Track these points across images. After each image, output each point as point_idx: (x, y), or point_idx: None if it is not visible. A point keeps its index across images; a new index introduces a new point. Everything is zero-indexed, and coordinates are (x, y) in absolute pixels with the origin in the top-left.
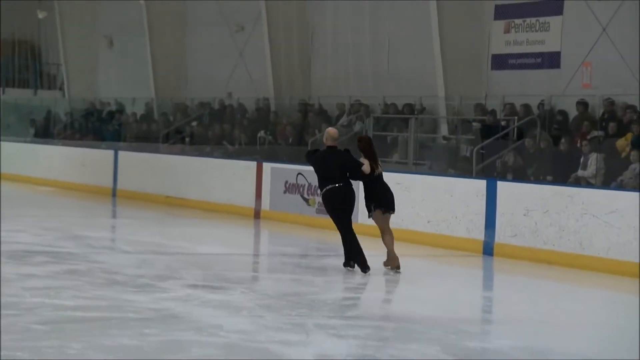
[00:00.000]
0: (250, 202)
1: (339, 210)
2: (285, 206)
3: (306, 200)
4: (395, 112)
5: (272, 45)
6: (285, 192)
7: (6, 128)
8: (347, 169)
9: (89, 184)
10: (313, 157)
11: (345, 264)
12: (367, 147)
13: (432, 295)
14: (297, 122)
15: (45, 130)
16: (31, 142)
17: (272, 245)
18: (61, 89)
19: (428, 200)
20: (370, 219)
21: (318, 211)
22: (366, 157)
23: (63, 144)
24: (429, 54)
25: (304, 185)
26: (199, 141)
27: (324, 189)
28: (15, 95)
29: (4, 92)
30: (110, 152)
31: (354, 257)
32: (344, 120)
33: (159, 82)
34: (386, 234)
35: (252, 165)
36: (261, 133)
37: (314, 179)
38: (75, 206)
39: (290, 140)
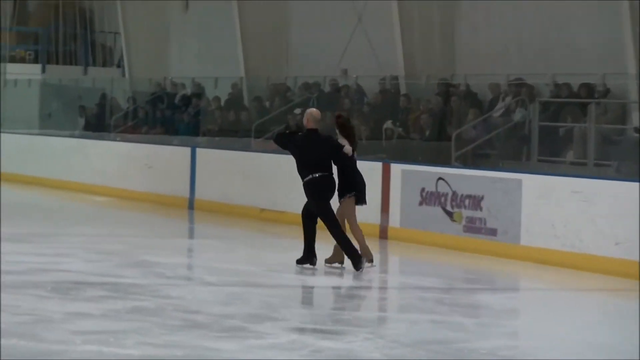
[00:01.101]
0: (374, 217)
1: (323, 200)
2: (421, 222)
3: (450, 215)
4: (569, 95)
5: (401, 8)
6: (421, 203)
7: (47, 118)
8: (333, 155)
9: (157, 193)
10: (292, 141)
11: (305, 260)
12: (346, 125)
13: (619, 344)
14: (437, 108)
15: (99, 121)
16: (80, 136)
17: (404, 275)
18: (120, 65)
19: (615, 214)
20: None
21: (466, 229)
22: (345, 136)
23: (122, 139)
24: (614, 19)
25: (447, 194)
26: None
27: (309, 177)
28: (60, 74)
29: (44, 71)
30: (186, 150)
31: (351, 253)
32: (500, 106)
33: (251, 57)
34: (356, 225)
35: (376, 167)
36: (387, 123)
37: (459, 186)
38: (140, 222)
39: (427, 133)
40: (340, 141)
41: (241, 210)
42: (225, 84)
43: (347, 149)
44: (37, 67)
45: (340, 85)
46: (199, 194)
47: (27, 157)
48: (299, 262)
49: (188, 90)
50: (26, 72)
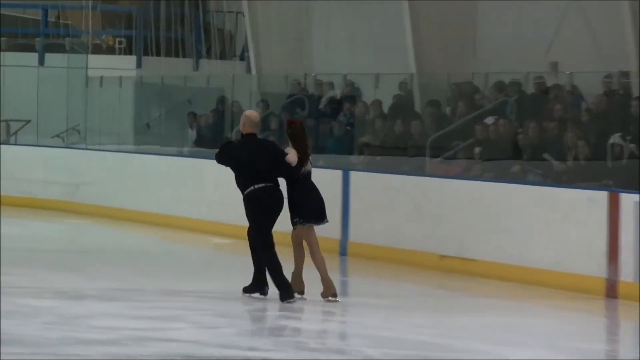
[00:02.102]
0: (598, 268)
1: (265, 216)
2: None
3: None
4: None
5: None
6: None
7: (144, 130)
8: (276, 163)
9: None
10: (228, 150)
11: (254, 289)
12: (299, 133)
13: None
14: None
15: (216, 134)
16: (190, 154)
17: None
18: (243, 58)
19: None
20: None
21: None
22: (295, 146)
23: None
24: None
25: None
26: (497, 151)
27: (250, 188)
28: (161, 69)
29: (140, 65)
30: (336, 174)
31: (277, 279)
32: None
33: (425, 47)
34: (316, 250)
35: (600, 197)
36: (615, 137)
37: None
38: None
39: None
40: (287, 150)
41: (413, 258)
42: (389, 83)
43: (291, 158)
44: (130, 60)
45: (548, 84)
46: (354, 234)
47: (117, 183)
48: (248, 290)
49: (337, 92)
50: (116, 67)
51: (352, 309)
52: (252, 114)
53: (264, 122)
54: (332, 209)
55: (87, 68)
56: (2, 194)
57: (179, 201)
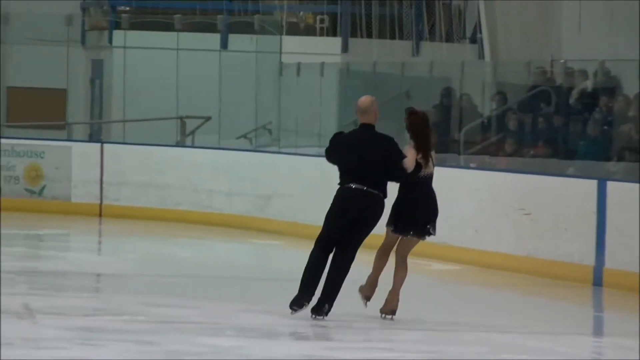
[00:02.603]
0: None
1: (339, 214)
2: None
3: None
4: None
5: None
6: None
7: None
8: (389, 164)
9: (535, 257)
10: (333, 144)
11: (299, 303)
12: (420, 126)
13: None
14: None
15: (441, 134)
16: None
17: None
18: (475, 40)
19: None
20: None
21: None
22: (415, 143)
23: (478, 166)
24: None
25: None
26: None
27: (345, 186)
28: (373, 55)
29: (346, 49)
30: (590, 185)
31: (332, 292)
32: None
33: None
34: (400, 267)
35: None
36: None
37: None
38: (509, 306)
39: None
40: (406, 152)
41: None
42: None
43: (409, 161)
44: (334, 43)
45: None
46: (611, 259)
47: (316, 195)
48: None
49: (588, 84)
50: (316, 51)
51: (607, 350)
52: (363, 99)
53: (499, 119)
54: (584, 228)
55: (280, 52)
56: (178, 207)
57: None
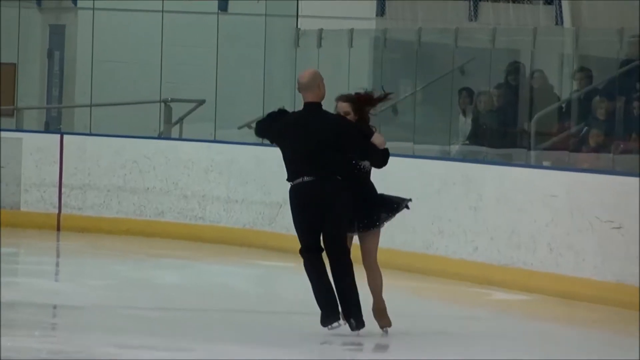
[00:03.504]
0: None
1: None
2: None
3: None
4: None
5: None
6: None
7: (389, 116)
8: (349, 146)
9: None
10: (276, 126)
11: (332, 320)
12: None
13: None
14: None
15: (505, 120)
16: (461, 157)
17: None
18: (551, 1)
19: None
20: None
21: None
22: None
23: (552, 163)
24: None
25: None
26: None
27: (298, 180)
28: (416, 20)
29: (382, 12)
30: None
31: (350, 305)
32: None
33: None
34: (375, 274)
35: None
36: None
37: None
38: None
39: None
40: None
41: None
42: None
43: (377, 136)
44: (366, 3)
45: None
46: None
47: None
48: (331, 322)
49: None
50: (344, 14)
51: None
52: (301, 73)
53: (582, 104)
54: None
55: (297, 16)
56: (160, 217)
57: (442, 232)
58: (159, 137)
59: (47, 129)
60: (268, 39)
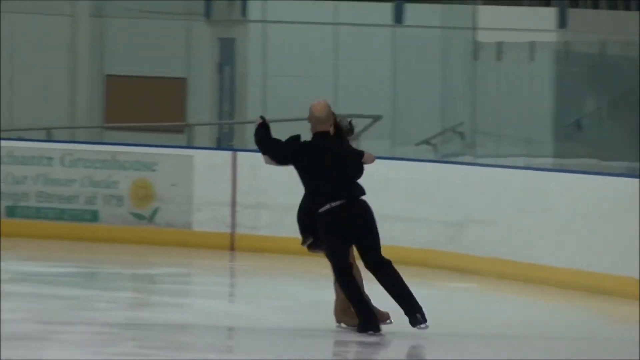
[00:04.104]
0: None
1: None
2: None
3: None
4: None
5: None
6: None
7: (572, 132)
8: (356, 165)
9: None
10: (294, 152)
11: (369, 327)
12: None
13: None
14: None
15: None
16: None
17: None
18: None
19: None
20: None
21: None
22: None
23: None
24: None
25: None
26: None
27: (326, 207)
28: (601, 32)
29: (564, 24)
30: None
31: (414, 302)
32: None
33: None
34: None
35: None
36: None
37: None
38: None
39: None
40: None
41: None
42: None
43: (369, 154)
44: (547, 15)
45: None
46: None
47: (520, 221)
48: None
49: None
50: (525, 26)
51: None
52: (316, 105)
53: None
54: None
55: (475, 28)
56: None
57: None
58: None
59: (219, 146)
60: (445, 51)
